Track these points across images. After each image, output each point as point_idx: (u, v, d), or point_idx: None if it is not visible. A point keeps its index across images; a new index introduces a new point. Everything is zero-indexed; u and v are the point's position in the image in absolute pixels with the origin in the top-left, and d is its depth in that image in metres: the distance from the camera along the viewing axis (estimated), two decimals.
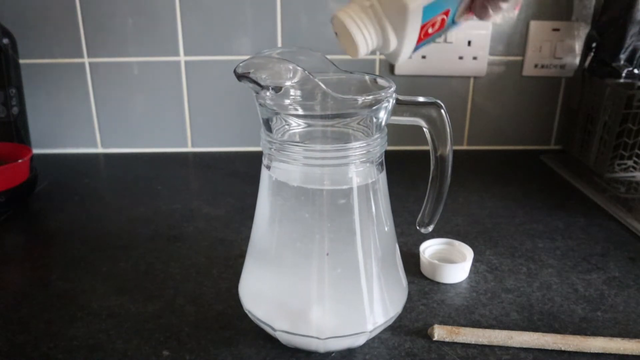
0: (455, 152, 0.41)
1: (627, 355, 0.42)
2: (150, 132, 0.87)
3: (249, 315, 0.42)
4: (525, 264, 0.55)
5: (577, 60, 0.83)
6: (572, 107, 0.84)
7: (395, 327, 0.45)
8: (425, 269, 0.52)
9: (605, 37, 0.75)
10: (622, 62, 0.75)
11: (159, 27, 0.81)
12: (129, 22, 0.80)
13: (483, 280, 0.52)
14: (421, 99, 0.39)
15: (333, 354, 0.42)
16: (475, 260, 0.55)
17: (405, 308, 0.45)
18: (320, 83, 0.34)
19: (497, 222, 0.62)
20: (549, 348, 0.42)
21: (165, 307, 0.47)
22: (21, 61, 0.80)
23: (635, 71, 0.75)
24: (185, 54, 0.82)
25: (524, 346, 0.42)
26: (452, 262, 0.52)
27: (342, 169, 0.37)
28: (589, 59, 0.79)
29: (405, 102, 0.39)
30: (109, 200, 0.71)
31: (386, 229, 0.41)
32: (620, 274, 0.53)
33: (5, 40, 0.75)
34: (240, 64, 0.35)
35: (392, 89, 0.37)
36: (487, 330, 0.43)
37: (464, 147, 0.89)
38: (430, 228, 0.44)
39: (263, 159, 0.40)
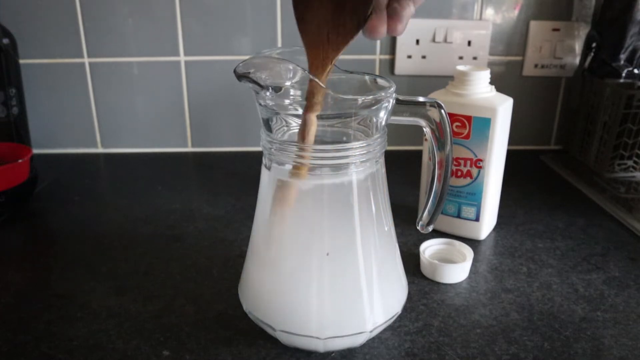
0: None
1: None
2: (150, 132, 0.87)
3: (249, 315, 0.42)
4: (525, 264, 0.55)
5: (577, 60, 0.83)
6: (572, 107, 0.84)
7: (395, 327, 0.45)
8: (425, 269, 0.52)
9: (605, 37, 0.75)
10: (622, 62, 0.75)
11: (159, 27, 0.81)
12: (129, 22, 0.80)
13: (483, 280, 0.52)
14: (421, 99, 0.39)
15: (333, 354, 0.42)
16: (475, 260, 0.55)
17: (405, 308, 0.45)
18: (320, 83, 0.34)
19: (497, 222, 0.62)
20: None
21: (165, 307, 0.47)
22: (21, 61, 0.80)
23: (635, 71, 0.75)
24: (185, 54, 0.82)
25: None
26: (452, 262, 0.52)
27: (342, 169, 0.37)
28: (589, 59, 0.79)
29: (405, 102, 0.39)
30: (109, 200, 0.71)
31: (386, 228, 0.41)
32: (620, 274, 0.53)
33: (5, 40, 0.75)
34: (240, 64, 0.35)
35: (392, 89, 0.37)
36: None
37: None
38: (430, 228, 0.44)
39: (263, 159, 0.40)
